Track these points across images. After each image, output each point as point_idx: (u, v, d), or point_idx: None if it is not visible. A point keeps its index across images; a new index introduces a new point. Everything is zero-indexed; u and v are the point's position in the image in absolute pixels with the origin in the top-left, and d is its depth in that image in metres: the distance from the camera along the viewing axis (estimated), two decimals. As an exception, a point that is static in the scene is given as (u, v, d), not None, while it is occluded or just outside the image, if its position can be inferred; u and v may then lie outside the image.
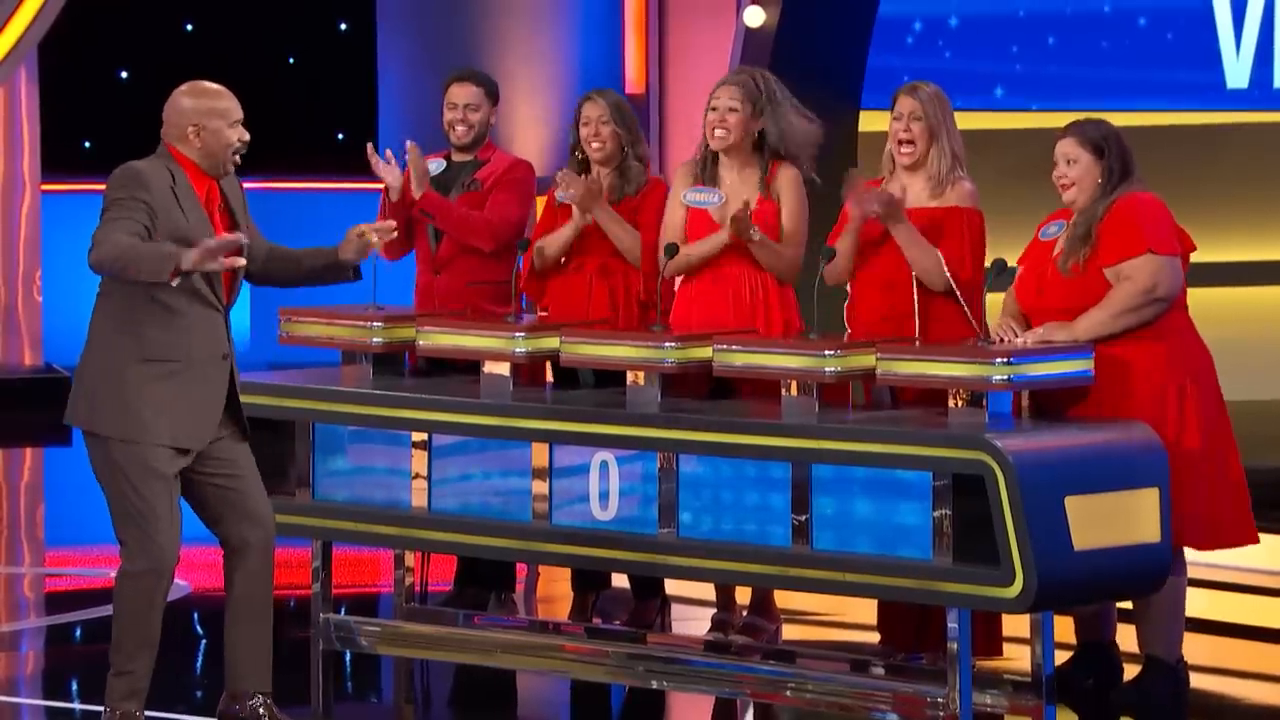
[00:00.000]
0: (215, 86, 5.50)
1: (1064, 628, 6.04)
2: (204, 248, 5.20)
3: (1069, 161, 5.86)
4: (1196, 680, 6.25)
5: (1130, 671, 5.96)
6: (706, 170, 6.24)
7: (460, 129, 6.71)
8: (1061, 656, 5.98)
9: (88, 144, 13.08)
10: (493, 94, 6.78)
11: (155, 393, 5.27)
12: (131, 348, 5.28)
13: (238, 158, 5.48)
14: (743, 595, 6.47)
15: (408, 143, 6.71)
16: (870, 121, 9.05)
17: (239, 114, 5.47)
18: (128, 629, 5.29)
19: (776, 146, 6.18)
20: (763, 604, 6.33)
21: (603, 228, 6.44)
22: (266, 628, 5.38)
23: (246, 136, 5.46)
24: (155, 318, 5.30)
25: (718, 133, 6.18)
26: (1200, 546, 5.78)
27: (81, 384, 5.39)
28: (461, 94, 6.73)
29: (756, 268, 6.19)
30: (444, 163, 6.78)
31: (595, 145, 6.46)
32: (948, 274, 5.90)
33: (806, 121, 6.20)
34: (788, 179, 6.19)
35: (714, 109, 6.19)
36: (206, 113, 5.42)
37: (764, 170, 6.20)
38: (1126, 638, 6.00)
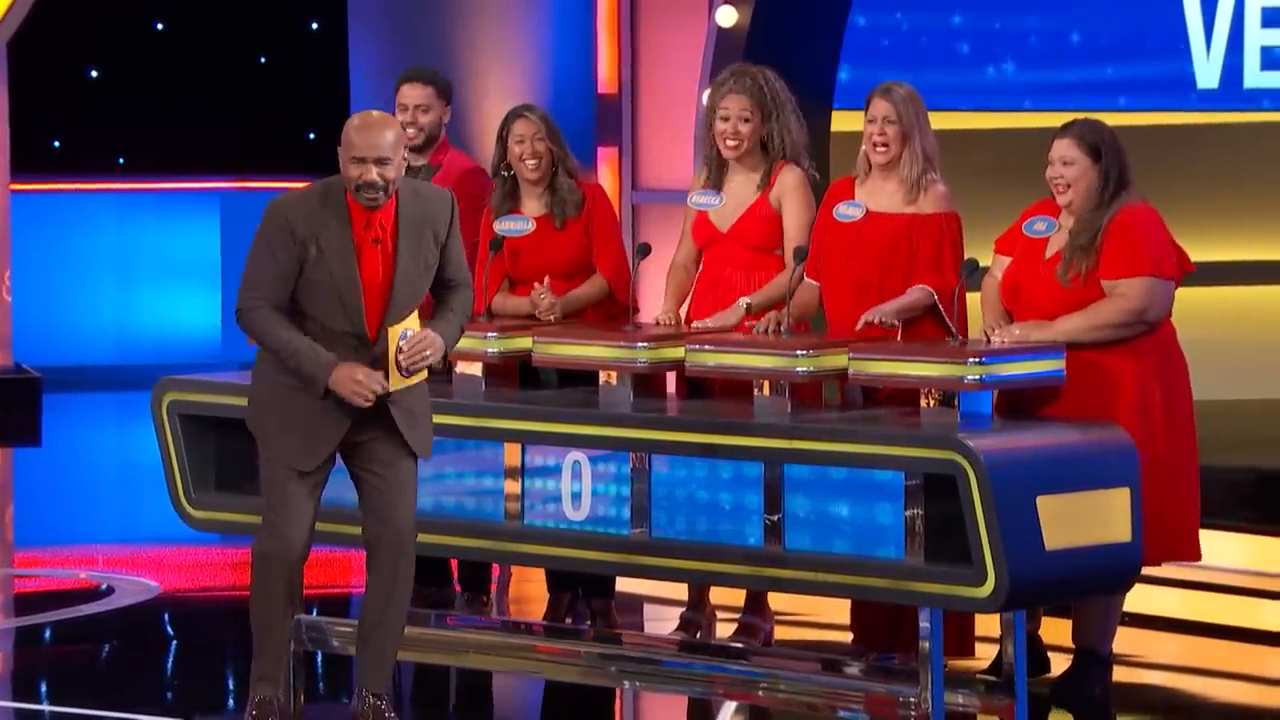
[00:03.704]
0: (364, 117, 5.31)
1: (1058, 631, 6.04)
2: (350, 379, 5.24)
3: (1065, 163, 5.86)
4: (1171, 680, 6.27)
5: (1059, 664, 6.00)
6: (713, 174, 6.25)
7: (410, 131, 6.60)
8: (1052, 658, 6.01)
9: (57, 143, 13.03)
10: (444, 93, 6.69)
11: (282, 408, 5.35)
12: (276, 360, 5.36)
13: (369, 195, 5.25)
14: (715, 595, 6.47)
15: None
16: (842, 121, 9.06)
17: (364, 150, 5.22)
18: (254, 611, 5.40)
19: (782, 150, 6.19)
20: (757, 603, 6.32)
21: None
22: (386, 627, 5.41)
23: (371, 176, 5.23)
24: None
25: (730, 143, 6.19)
26: (1148, 559, 5.79)
27: (250, 379, 5.50)
28: (412, 95, 6.65)
29: (753, 273, 6.18)
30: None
31: (531, 164, 6.40)
32: (936, 301, 5.90)
33: (800, 122, 6.22)
34: (793, 183, 6.19)
35: (724, 118, 6.18)
36: (342, 143, 5.31)
37: (767, 172, 6.20)
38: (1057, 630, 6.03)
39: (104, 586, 7.57)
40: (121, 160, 12.94)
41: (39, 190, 12.27)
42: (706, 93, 6.27)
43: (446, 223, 5.39)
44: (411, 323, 5.34)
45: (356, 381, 5.27)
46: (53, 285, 12.19)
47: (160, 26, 13.14)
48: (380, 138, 5.28)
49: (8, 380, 11.31)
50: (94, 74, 13.04)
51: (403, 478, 5.39)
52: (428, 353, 5.32)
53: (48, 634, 7.08)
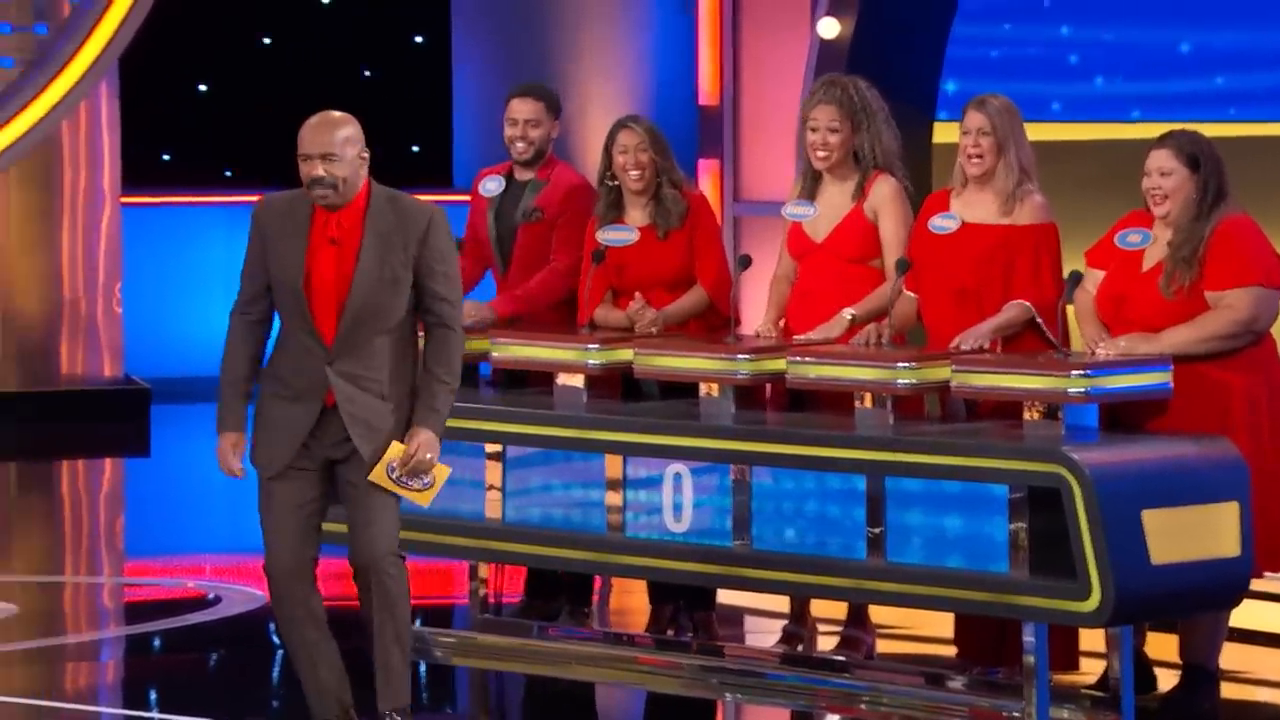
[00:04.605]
0: (320, 116, 5.31)
1: (1164, 647, 5.99)
2: (221, 451, 5.32)
3: (1163, 174, 5.82)
4: (1235, 690, 6.18)
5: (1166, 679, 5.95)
6: (806, 184, 6.25)
7: (520, 145, 6.63)
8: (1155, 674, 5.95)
9: (167, 156, 13.18)
10: (554, 108, 6.69)
11: (261, 413, 5.39)
12: (269, 364, 5.41)
13: (319, 193, 5.25)
14: (816, 608, 6.44)
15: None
16: (946, 133, 9.00)
17: (308, 147, 5.23)
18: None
19: (874, 159, 6.18)
20: (859, 616, 6.30)
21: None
22: (384, 649, 5.34)
23: (317, 171, 5.23)
24: (281, 343, 5.39)
25: (819, 154, 6.18)
26: (1266, 567, 5.72)
27: None
28: (522, 109, 6.65)
29: (848, 284, 6.16)
30: (504, 181, 6.69)
31: (634, 174, 6.40)
32: (1035, 316, 5.85)
33: (892, 131, 6.20)
34: (889, 193, 6.17)
35: (813, 129, 6.18)
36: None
37: (860, 182, 6.19)
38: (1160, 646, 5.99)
39: (211, 596, 7.64)
40: (229, 173, 13.08)
41: (149, 203, 12.42)
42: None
43: (419, 238, 5.28)
44: (394, 451, 5.23)
45: (221, 452, 5.32)
46: (162, 297, 12.32)
47: (267, 41, 13.27)
48: (327, 134, 5.26)
49: (118, 392, 11.46)
50: (202, 88, 13.19)
51: (369, 503, 5.28)
52: (428, 456, 5.26)
53: (157, 643, 7.16)
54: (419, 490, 5.26)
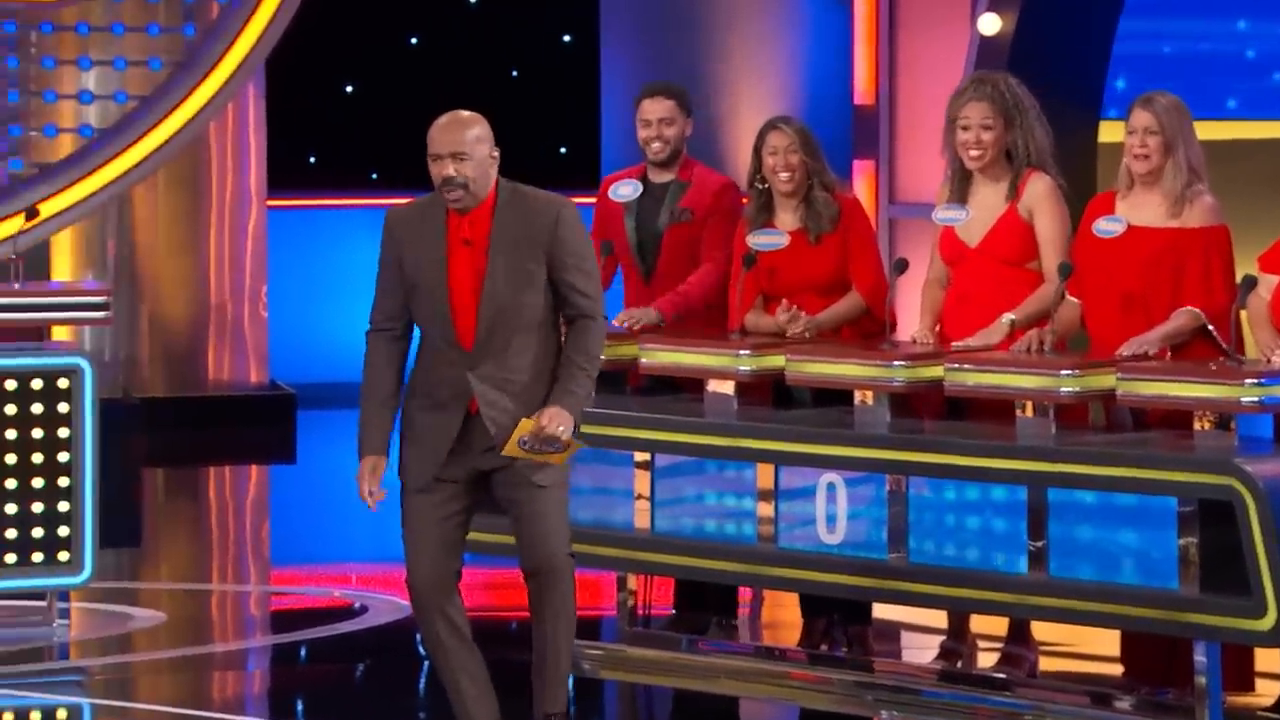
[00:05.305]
0: (449, 115, 5.24)
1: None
2: (362, 475, 5.28)
3: None
4: None
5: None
6: (956, 186, 6.09)
7: (656, 145, 6.52)
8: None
9: (313, 158, 13.22)
10: (686, 106, 6.57)
11: (407, 426, 5.33)
12: (411, 377, 5.35)
13: (451, 194, 5.18)
14: (976, 623, 6.28)
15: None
16: (1114, 132, 8.80)
17: (438, 146, 5.18)
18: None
19: (1027, 157, 6.01)
20: (1021, 632, 6.12)
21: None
22: (556, 654, 5.28)
23: (448, 171, 5.16)
24: (421, 354, 5.34)
25: (973, 153, 6.03)
26: None
27: None
28: (655, 109, 6.54)
29: (1005, 287, 5.99)
30: (639, 185, 6.55)
31: (784, 176, 6.28)
32: (1205, 323, 5.65)
33: (1044, 128, 6.03)
34: (1043, 191, 6.01)
35: (965, 128, 6.02)
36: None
37: (1014, 181, 6.03)
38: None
39: (357, 605, 7.61)
40: (375, 175, 13.10)
41: (295, 206, 12.45)
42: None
43: (549, 232, 5.19)
44: (524, 426, 5.13)
45: (361, 476, 5.27)
46: (308, 301, 12.35)
47: (414, 41, 13.27)
48: (458, 133, 5.18)
49: (264, 397, 11.48)
50: (349, 89, 13.21)
51: (539, 507, 5.22)
52: (559, 429, 5.15)
53: (303, 652, 7.13)
54: (551, 453, 5.17)
